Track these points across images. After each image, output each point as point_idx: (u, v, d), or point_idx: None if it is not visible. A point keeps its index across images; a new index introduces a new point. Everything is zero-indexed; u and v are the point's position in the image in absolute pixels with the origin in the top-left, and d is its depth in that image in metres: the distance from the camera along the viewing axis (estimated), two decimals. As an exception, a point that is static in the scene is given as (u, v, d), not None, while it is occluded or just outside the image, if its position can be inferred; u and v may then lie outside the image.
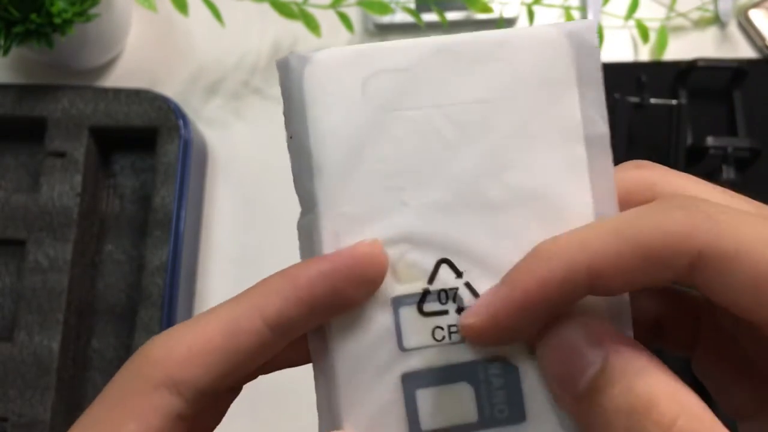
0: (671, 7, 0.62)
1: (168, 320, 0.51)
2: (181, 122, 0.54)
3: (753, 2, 0.61)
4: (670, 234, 0.17)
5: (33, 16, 0.50)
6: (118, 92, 0.55)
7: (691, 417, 0.17)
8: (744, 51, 0.61)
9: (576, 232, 0.18)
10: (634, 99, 0.55)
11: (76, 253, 0.53)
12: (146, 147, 0.55)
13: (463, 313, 0.20)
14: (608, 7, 0.61)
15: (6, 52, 0.52)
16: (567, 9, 0.61)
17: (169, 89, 0.59)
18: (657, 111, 0.55)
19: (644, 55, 0.61)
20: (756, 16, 0.61)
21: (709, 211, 0.17)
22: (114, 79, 0.61)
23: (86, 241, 0.55)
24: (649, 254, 0.17)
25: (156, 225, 0.52)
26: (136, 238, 0.56)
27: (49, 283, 0.52)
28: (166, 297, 0.51)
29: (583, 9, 0.62)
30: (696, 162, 0.55)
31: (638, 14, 0.61)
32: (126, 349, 0.54)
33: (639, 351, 0.18)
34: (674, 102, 0.56)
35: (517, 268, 0.19)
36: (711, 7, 0.62)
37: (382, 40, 0.66)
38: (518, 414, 0.20)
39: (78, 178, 0.54)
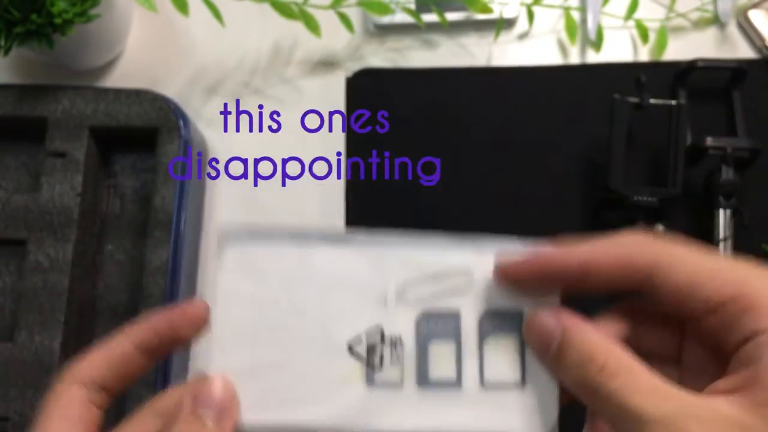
0: (671, 8, 0.62)
1: (168, 320, 0.51)
2: (181, 122, 0.54)
3: (752, 2, 0.61)
4: (638, 245, 0.27)
5: (33, 16, 0.50)
6: (118, 92, 0.55)
7: (615, 358, 0.26)
8: (743, 51, 0.61)
9: (581, 242, 0.28)
10: (633, 99, 0.55)
11: (77, 253, 0.53)
12: (147, 147, 0.55)
13: (502, 254, 0.29)
14: (608, 8, 0.61)
15: (7, 52, 0.52)
16: (567, 9, 0.61)
17: (169, 89, 0.59)
18: (656, 111, 0.55)
19: (644, 55, 0.61)
20: (755, 16, 0.61)
21: (670, 241, 0.26)
22: (114, 80, 0.61)
23: (87, 241, 0.55)
24: (623, 257, 0.27)
25: (156, 225, 0.52)
26: (137, 238, 0.56)
27: (50, 283, 0.52)
28: (166, 297, 0.51)
29: (583, 9, 0.62)
30: (695, 162, 0.55)
31: (638, 15, 0.61)
32: (126, 349, 0.54)
33: (585, 325, 0.27)
34: (674, 102, 0.56)
35: (543, 251, 0.28)
36: (710, 7, 0.62)
37: (383, 41, 0.66)
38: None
39: (78, 178, 0.54)
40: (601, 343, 0.26)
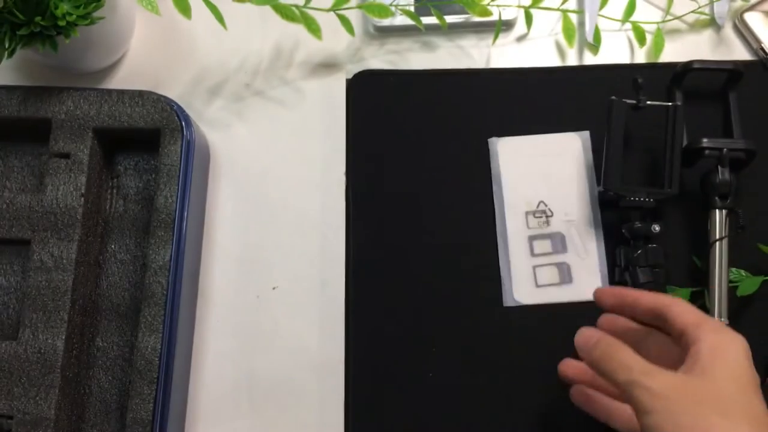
0: (667, 10, 0.63)
1: (171, 319, 0.51)
2: (183, 123, 0.54)
3: (748, 5, 0.62)
4: (660, 296, 0.46)
5: (38, 19, 0.51)
6: (121, 94, 0.56)
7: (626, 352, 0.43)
8: (739, 53, 0.62)
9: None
10: (630, 101, 0.55)
11: (81, 253, 0.53)
12: (149, 148, 0.56)
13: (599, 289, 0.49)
14: (605, 10, 0.62)
15: (11, 54, 0.52)
16: (564, 12, 0.61)
17: (172, 91, 0.60)
18: (653, 112, 0.56)
19: (640, 57, 0.62)
20: (751, 18, 0.61)
21: (677, 299, 0.45)
22: (118, 81, 0.62)
23: (90, 241, 0.55)
24: (653, 298, 0.46)
25: (159, 225, 0.53)
26: (140, 238, 0.57)
27: (54, 283, 0.52)
28: (169, 296, 0.51)
29: (581, 12, 0.63)
30: (691, 163, 0.56)
31: (635, 17, 0.62)
32: (129, 348, 0.54)
33: (611, 338, 0.44)
34: (670, 103, 0.56)
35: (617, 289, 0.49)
36: (707, 9, 0.63)
37: (383, 43, 0.68)
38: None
39: (82, 179, 0.54)
40: (616, 344, 0.43)
